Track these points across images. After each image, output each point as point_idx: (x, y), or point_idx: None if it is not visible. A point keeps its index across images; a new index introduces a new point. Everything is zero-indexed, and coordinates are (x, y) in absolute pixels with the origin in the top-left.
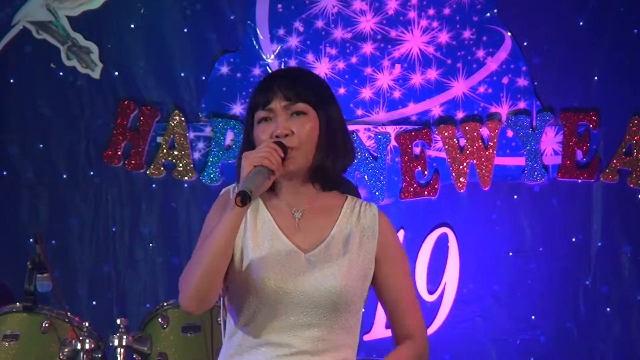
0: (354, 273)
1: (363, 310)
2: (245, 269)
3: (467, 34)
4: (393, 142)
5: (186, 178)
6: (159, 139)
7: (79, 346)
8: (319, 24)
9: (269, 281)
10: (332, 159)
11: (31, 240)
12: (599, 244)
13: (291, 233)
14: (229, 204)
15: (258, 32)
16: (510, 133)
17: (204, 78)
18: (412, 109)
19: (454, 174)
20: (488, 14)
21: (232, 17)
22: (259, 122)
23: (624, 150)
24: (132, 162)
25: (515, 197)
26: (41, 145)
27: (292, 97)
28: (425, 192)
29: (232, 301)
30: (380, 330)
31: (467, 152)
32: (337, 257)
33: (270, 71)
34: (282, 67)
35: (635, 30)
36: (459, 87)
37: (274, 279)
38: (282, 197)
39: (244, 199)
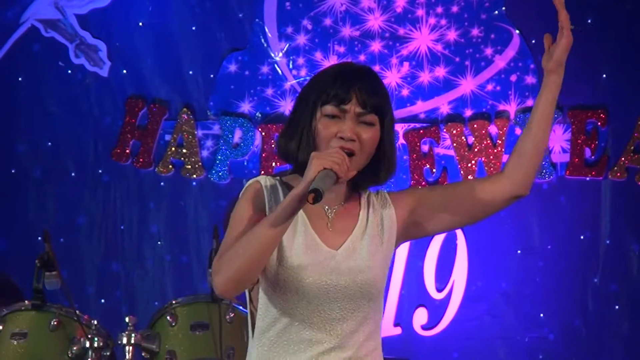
0: (379, 261)
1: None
2: (281, 266)
3: (475, 31)
4: (401, 140)
5: (194, 176)
6: (168, 137)
7: (87, 344)
8: (327, 21)
9: (308, 278)
10: (382, 165)
11: (40, 238)
12: (607, 242)
13: (322, 232)
14: (287, 197)
15: (266, 30)
16: (518, 131)
17: (212, 76)
18: (420, 107)
19: (462, 172)
20: (496, 12)
21: (240, 15)
22: (325, 116)
23: (632, 147)
24: (141, 160)
25: None
26: (50, 143)
27: (368, 106)
28: None
29: (267, 297)
30: (387, 328)
31: (476, 149)
32: (362, 250)
33: (278, 69)
34: (291, 65)
35: None
36: (467, 85)
37: (312, 276)
38: None
39: (317, 197)
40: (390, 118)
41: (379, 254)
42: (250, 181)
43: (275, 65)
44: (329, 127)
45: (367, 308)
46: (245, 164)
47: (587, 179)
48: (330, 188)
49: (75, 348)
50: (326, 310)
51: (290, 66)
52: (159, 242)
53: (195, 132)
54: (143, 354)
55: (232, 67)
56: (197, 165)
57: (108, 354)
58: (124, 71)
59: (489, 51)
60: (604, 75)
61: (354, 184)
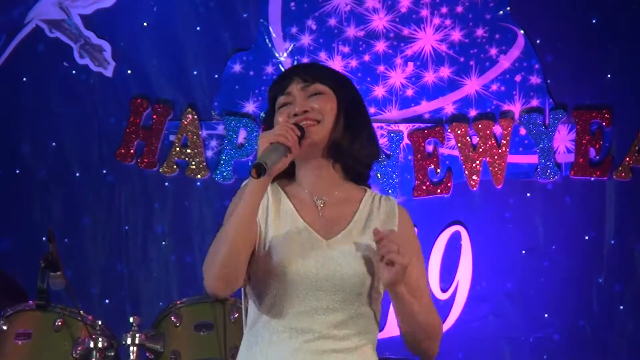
0: (375, 259)
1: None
2: (266, 254)
3: (479, 32)
4: (406, 140)
5: (199, 176)
6: (172, 137)
7: (91, 345)
8: (332, 22)
9: (291, 265)
10: (349, 139)
11: (44, 238)
12: (612, 242)
13: (313, 221)
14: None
15: (271, 30)
16: (523, 131)
17: (216, 76)
18: (424, 107)
19: (466, 172)
20: (501, 12)
21: (244, 15)
22: (280, 109)
23: (637, 148)
24: (145, 160)
25: (528, 195)
26: (54, 144)
27: (309, 78)
28: (438, 190)
29: (255, 288)
30: (393, 328)
31: (480, 150)
32: (358, 243)
33: (282, 69)
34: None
35: None
36: (471, 85)
37: (295, 263)
38: (304, 185)
39: (259, 170)
40: (345, 88)
41: (374, 254)
42: (245, 182)
43: (280, 66)
44: (282, 113)
45: (358, 304)
46: (250, 164)
47: (592, 179)
48: (277, 161)
49: (79, 348)
50: (311, 299)
51: None
52: (163, 243)
53: (200, 132)
54: (147, 354)
55: (237, 67)
56: (201, 166)
57: (112, 354)
58: (129, 71)
59: (493, 51)
60: (609, 75)
61: (342, 167)
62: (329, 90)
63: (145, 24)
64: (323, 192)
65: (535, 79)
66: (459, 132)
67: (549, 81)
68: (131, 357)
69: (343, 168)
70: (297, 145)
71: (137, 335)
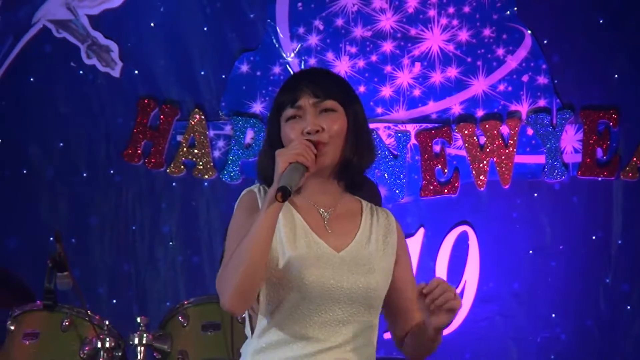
0: (382, 271)
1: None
2: (284, 265)
3: (487, 32)
4: (413, 140)
5: (206, 176)
6: (179, 138)
7: (99, 345)
8: (339, 22)
9: (311, 277)
10: (358, 156)
11: (51, 238)
12: (619, 242)
13: (322, 233)
14: (264, 201)
15: (278, 30)
16: (530, 131)
17: (224, 76)
18: (432, 107)
19: (474, 172)
20: (508, 12)
21: (251, 16)
22: (287, 121)
23: None
24: (152, 160)
25: (536, 195)
26: (61, 144)
27: (321, 94)
28: (446, 190)
29: (268, 297)
30: None
31: (487, 150)
32: (367, 256)
33: (290, 69)
34: (302, 66)
35: None
36: (479, 85)
37: (316, 275)
38: (308, 197)
39: (285, 194)
40: (353, 103)
41: (382, 264)
42: (244, 192)
43: (287, 66)
44: (293, 128)
45: (368, 315)
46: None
47: (599, 179)
48: (299, 182)
49: (86, 348)
50: (327, 311)
51: (302, 67)
52: (170, 243)
53: (207, 133)
54: (155, 355)
55: (244, 68)
56: (208, 166)
57: (120, 354)
58: (136, 72)
59: (500, 51)
60: (616, 76)
61: (346, 182)
62: (339, 106)
63: (152, 24)
64: (328, 205)
65: (542, 79)
66: (466, 132)
67: (556, 81)
68: (139, 357)
69: (347, 180)
70: (314, 164)
71: (145, 335)
